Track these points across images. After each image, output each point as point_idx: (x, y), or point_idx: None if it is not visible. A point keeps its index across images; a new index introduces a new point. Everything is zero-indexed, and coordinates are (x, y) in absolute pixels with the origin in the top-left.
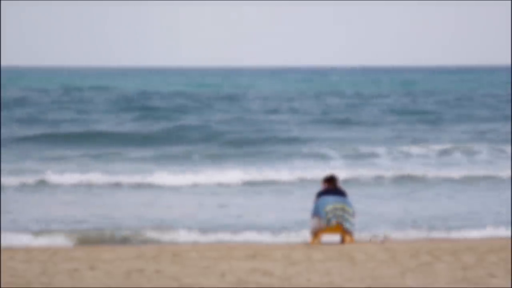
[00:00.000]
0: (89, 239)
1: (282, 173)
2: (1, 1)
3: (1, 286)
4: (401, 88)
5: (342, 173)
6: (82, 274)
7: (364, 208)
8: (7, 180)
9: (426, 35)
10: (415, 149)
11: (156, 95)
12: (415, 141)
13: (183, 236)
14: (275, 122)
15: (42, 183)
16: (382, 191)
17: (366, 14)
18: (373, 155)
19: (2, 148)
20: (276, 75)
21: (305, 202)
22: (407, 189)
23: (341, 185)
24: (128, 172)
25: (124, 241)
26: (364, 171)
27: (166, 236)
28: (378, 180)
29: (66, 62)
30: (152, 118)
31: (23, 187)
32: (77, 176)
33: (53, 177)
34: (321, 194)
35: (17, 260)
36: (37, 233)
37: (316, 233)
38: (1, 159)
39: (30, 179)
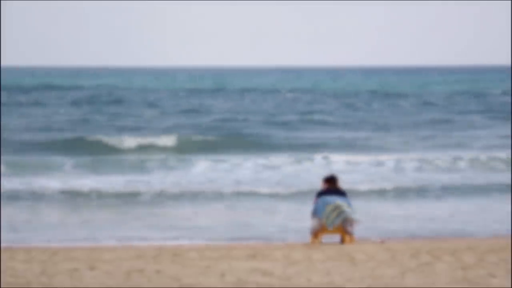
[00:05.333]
0: None
1: None
2: (1, 1)
3: (1, 286)
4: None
5: None
6: (82, 274)
7: None
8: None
9: (425, 35)
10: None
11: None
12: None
13: None
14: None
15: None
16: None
17: (361, 14)
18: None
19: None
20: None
21: None
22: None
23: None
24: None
25: None
26: None
27: None
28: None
29: (66, 62)
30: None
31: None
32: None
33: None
34: (321, 194)
35: (17, 260)
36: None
37: (316, 233)
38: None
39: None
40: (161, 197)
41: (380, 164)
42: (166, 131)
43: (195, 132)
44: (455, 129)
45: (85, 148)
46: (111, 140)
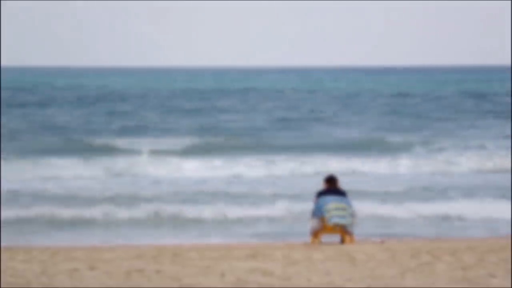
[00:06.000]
0: None
1: None
2: (1, 1)
3: (1, 286)
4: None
5: None
6: (82, 274)
7: None
8: None
9: (426, 35)
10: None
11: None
12: None
13: None
14: None
15: None
16: None
17: (362, 13)
18: None
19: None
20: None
21: None
22: None
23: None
24: None
25: None
26: None
27: None
28: None
29: (66, 62)
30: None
31: None
32: None
33: None
34: (321, 194)
35: (17, 260)
36: None
37: (316, 233)
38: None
39: None
40: (161, 197)
41: (380, 164)
42: (166, 131)
43: (195, 132)
44: (456, 129)
45: (84, 148)
46: (111, 140)
